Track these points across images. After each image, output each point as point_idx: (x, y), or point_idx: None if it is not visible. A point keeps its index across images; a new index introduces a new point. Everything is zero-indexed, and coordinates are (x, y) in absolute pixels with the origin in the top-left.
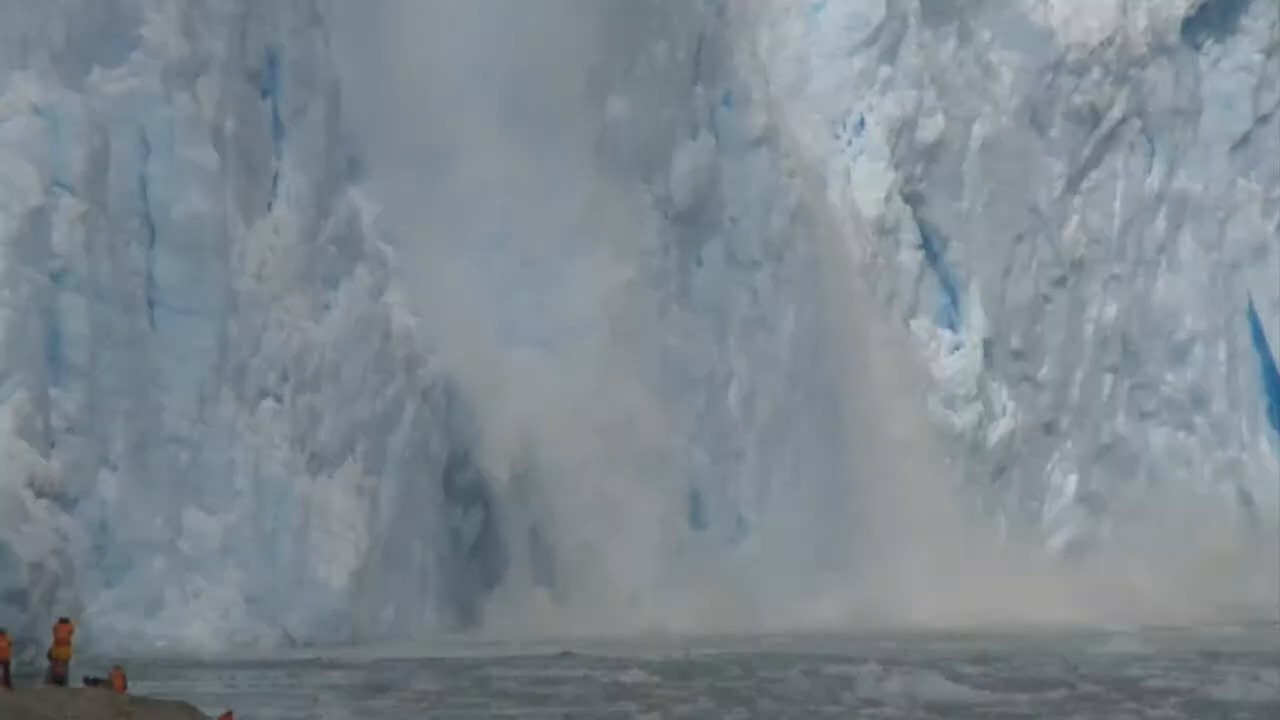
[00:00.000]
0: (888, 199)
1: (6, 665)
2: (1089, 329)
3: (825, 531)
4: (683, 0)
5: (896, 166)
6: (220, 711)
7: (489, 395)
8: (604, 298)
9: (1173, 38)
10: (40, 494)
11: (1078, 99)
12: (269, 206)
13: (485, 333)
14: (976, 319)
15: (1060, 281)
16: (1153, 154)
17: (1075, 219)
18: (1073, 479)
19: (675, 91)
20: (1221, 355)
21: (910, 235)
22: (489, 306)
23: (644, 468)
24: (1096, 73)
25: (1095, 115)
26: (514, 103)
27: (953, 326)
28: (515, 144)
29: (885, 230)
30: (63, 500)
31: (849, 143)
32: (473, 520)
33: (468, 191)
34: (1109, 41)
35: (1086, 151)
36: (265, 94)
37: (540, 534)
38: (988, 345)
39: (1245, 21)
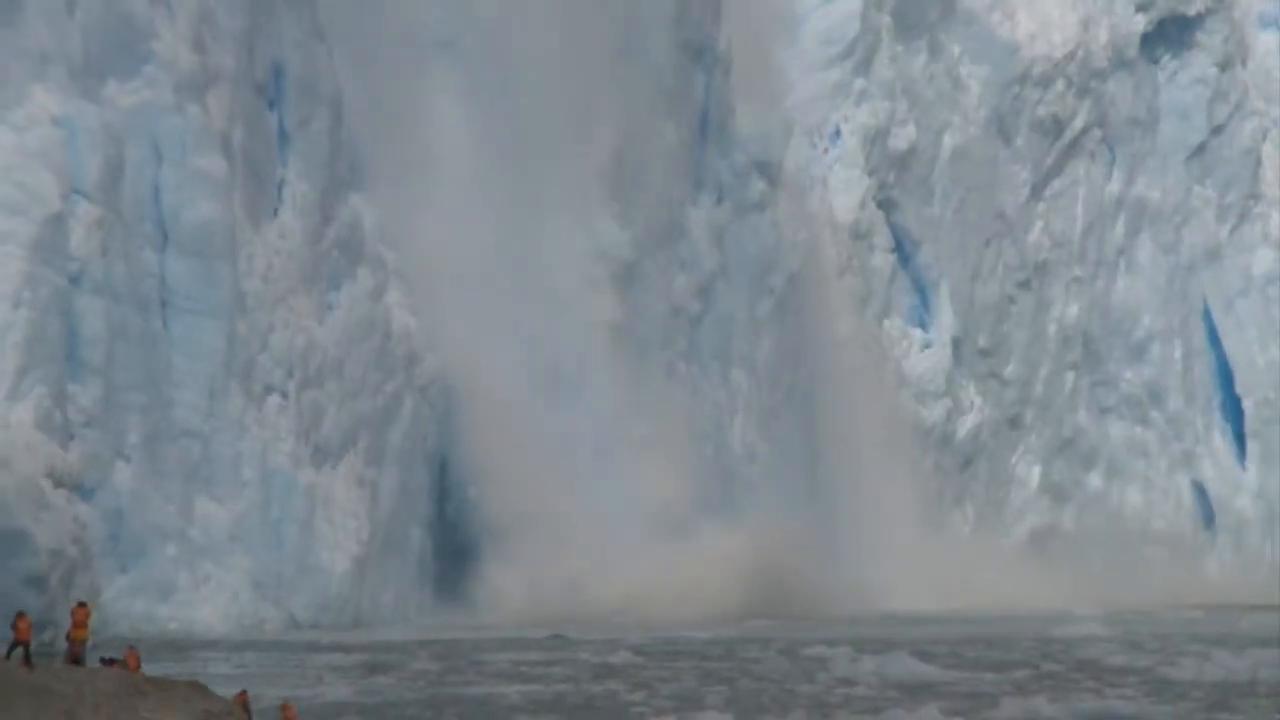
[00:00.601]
0: (862, 205)
1: (27, 646)
2: (1052, 328)
3: (804, 524)
4: (686, 77)
5: (870, 174)
6: (234, 691)
7: (484, 405)
8: (608, 352)
9: (1132, 52)
10: (59, 484)
11: (1042, 110)
12: (275, 212)
13: (491, 356)
14: (946, 319)
15: (1025, 283)
16: (1113, 162)
17: (1039, 224)
18: (1036, 470)
19: (682, 163)
20: (1177, 353)
21: (883, 239)
22: (491, 328)
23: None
24: (1060, 85)
25: (1058, 126)
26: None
27: (923, 326)
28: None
29: (859, 234)
30: (80, 490)
31: (825, 151)
32: (466, 510)
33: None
34: (1071, 56)
35: (1050, 160)
36: (271, 105)
37: (535, 527)
38: (956, 344)
39: (1201, 37)
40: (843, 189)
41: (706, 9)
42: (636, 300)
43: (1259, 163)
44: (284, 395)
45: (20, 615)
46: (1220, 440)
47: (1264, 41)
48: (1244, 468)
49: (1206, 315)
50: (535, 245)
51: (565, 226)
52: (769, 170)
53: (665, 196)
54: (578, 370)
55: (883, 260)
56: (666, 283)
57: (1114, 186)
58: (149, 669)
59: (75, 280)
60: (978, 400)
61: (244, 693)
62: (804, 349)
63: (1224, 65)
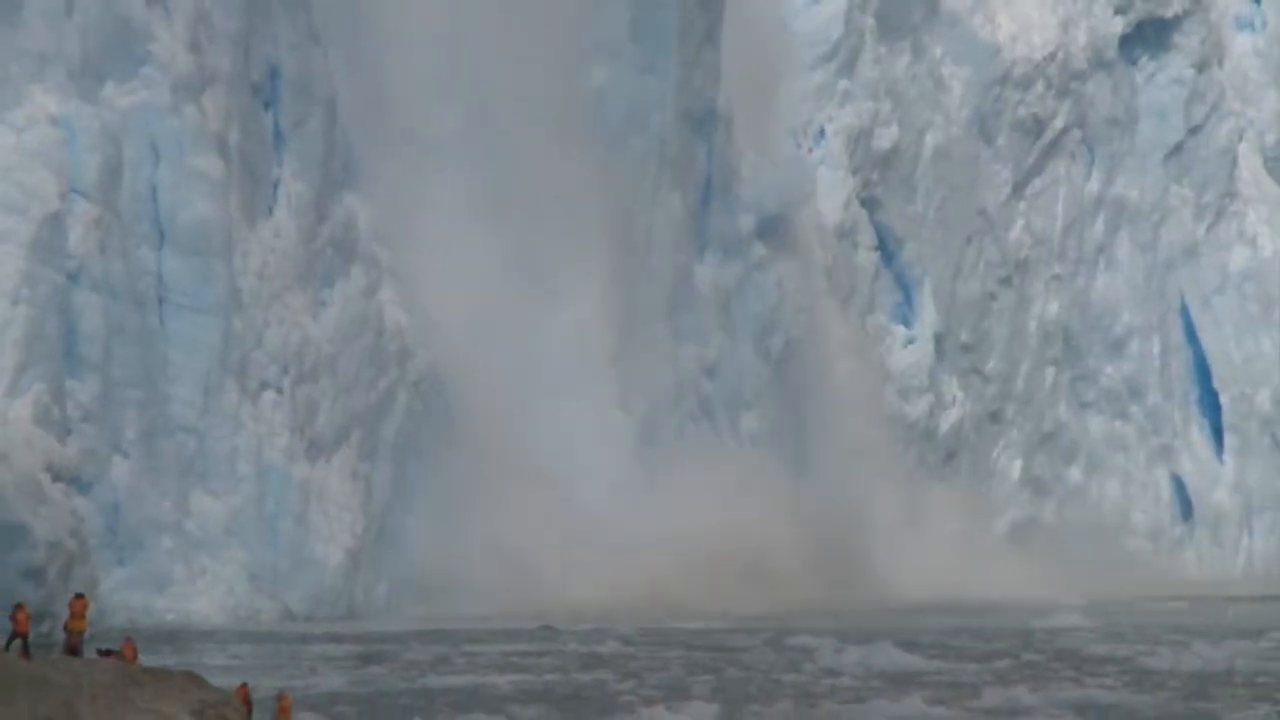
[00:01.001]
0: (846, 204)
1: (25, 638)
2: (1033, 324)
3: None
4: (688, 152)
5: (854, 173)
6: (232, 682)
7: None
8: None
9: (1111, 53)
10: (57, 478)
11: (1023, 110)
12: (270, 211)
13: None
14: (928, 315)
15: (1006, 280)
16: (1092, 162)
17: (1020, 222)
18: (1018, 464)
19: (686, 231)
20: (1156, 349)
21: (867, 237)
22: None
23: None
24: (1040, 86)
25: (1039, 125)
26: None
27: (906, 322)
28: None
29: (844, 233)
30: (78, 484)
31: (810, 151)
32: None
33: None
34: (1052, 57)
35: (1031, 159)
36: (267, 106)
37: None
38: (939, 340)
39: (1178, 39)
40: (828, 192)
41: (707, 79)
42: (639, 370)
43: (1235, 162)
44: (279, 391)
45: (19, 607)
46: (1198, 434)
47: (1240, 43)
48: (1221, 461)
49: (1184, 311)
50: (533, 274)
51: (564, 280)
52: (774, 225)
53: (671, 261)
54: (575, 370)
55: (866, 258)
56: (674, 350)
57: (1093, 185)
58: (146, 660)
59: (73, 278)
60: (960, 395)
61: (245, 686)
62: (793, 349)
63: (1201, 66)
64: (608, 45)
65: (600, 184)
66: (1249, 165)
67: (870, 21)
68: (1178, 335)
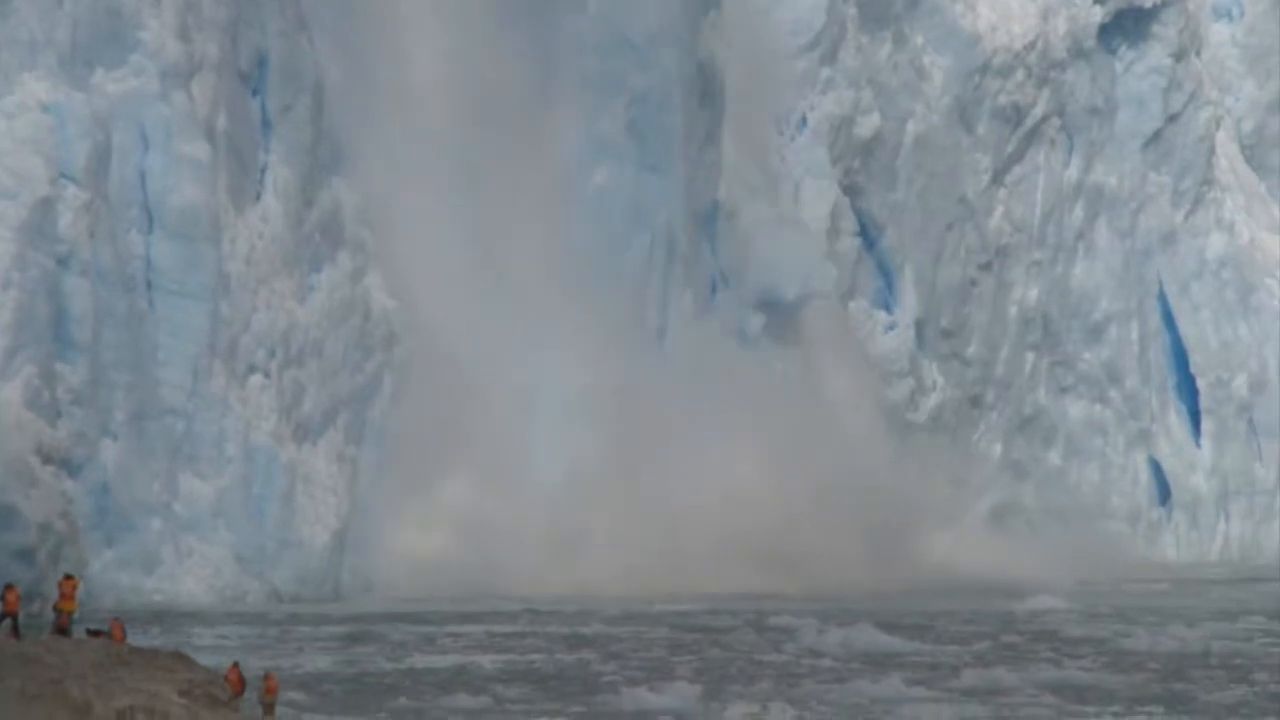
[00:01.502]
0: (835, 207)
1: (15, 617)
2: (1012, 310)
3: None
4: (695, 249)
5: (835, 161)
6: (221, 661)
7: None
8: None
9: (1090, 43)
10: (47, 460)
11: (1003, 99)
12: (258, 196)
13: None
14: (909, 301)
15: (986, 266)
16: (1071, 149)
17: (1000, 209)
18: (997, 448)
19: (696, 326)
20: (1134, 335)
21: (849, 224)
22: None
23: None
24: (1020, 75)
25: (1019, 114)
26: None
27: (888, 308)
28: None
29: (827, 220)
30: (68, 466)
31: (792, 139)
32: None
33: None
34: (1031, 46)
35: (1010, 147)
36: (255, 93)
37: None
38: (920, 325)
39: (1157, 28)
40: (815, 196)
41: (710, 175)
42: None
43: (1212, 150)
44: (266, 374)
45: (9, 587)
46: (1176, 419)
47: (1217, 33)
48: (1199, 446)
49: (1162, 298)
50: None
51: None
52: (782, 311)
53: (685, 356)
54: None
55: (848, 244)
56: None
57: (1072, 173)
58: (134, 640)
59: (63, 262)
60: (940, 380)
61: (237, 665)
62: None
63: (1179, 56)
64: (610, 146)
65: (604, 280)
66: (1226, 153)
67: (852, 11)
68: (1155, 321)
